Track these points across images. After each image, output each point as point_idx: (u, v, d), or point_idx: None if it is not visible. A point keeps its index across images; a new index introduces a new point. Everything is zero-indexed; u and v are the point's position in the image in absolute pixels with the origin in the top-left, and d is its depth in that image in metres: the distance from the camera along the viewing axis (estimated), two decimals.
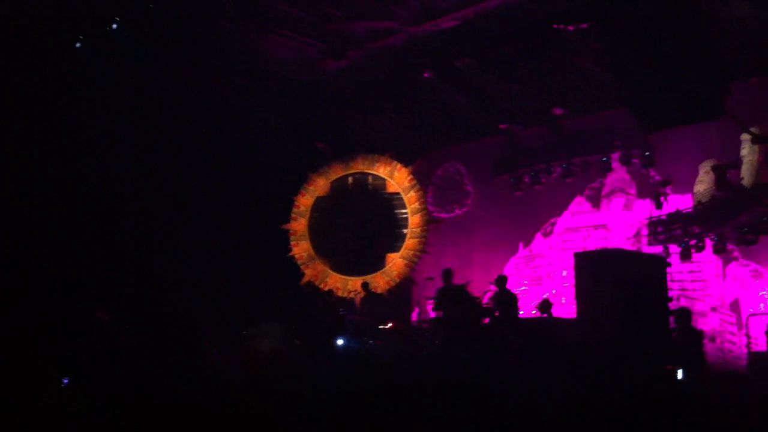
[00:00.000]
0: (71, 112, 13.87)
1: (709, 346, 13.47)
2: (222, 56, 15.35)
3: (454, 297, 13.23)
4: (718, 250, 14.32)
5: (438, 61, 15.16)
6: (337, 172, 19.45)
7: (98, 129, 14.36)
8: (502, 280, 13.95)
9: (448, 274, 13.65)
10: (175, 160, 15.75)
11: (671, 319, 11.66)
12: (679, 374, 9.80)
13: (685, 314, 11.77)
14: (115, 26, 13.40)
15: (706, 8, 10.93)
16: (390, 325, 14.75)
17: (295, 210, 19.32)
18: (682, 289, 15.19)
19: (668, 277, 12.74)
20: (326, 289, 18.01)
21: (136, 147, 14.89)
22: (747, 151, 14.07)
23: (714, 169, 14.51)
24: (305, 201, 19.38)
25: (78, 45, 13.56)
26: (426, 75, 15.65)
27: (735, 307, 14.97)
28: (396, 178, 19.03)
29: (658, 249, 14.74)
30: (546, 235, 18.27)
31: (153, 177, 15.26)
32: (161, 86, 15.14)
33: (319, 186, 19.44)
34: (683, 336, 11.49)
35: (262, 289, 16.25)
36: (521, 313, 14.56)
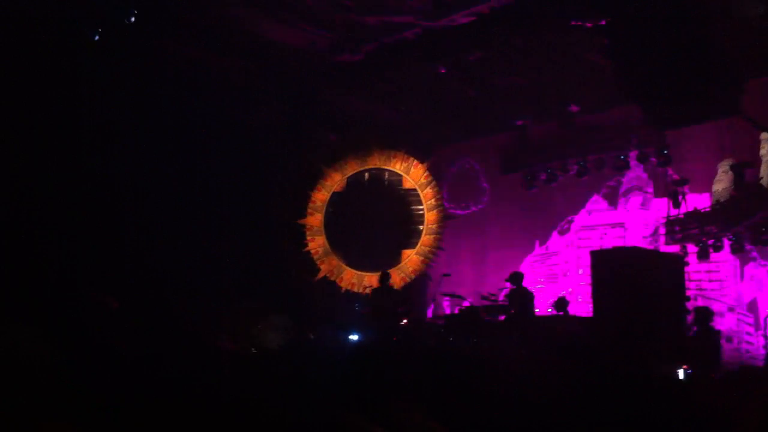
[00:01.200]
0: (70, 98, 13.80)
1: (725, 347, 13.37)
2: (233, 46, 15.29)
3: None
4: (736, 249, 14.20)
5: (452, 56, 15.10)
6: (353, 168, 19.45)
7: (102, 122, 14.29)
8: (517, 277, 13.91)
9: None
10: (189, 156, 15.75)
11: (690, 318, 11.62)
12: (680, 374, 9.74)
13: (705, 313, 11.71)
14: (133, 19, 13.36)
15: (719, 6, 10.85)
16: (404, 321, 14.74)
17: (311, 205, 19.33)
18: (699, 289, 15.08)
19: (686, 277, 12.71)
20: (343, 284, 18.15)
21: (145, 143, 14.87)
22: (766, 150, 13.94)
23: (732, 168, 14.39)
24: (321, 196, 19.39)
25: (96, 38, 13.55)
26: (440, 69, 15.59)
27: (752, 307, 14.85)
28: (412, 174, 19.02)
29: (675, 248, 14.65)
30: (562, 233, 18.19)
31: (164, 172, 15.25)
32: (170, 80, 15.09)
33: (335, 181, 19.44)
34: (701, 335, 11.43)
35: (277, 282, 16.28)
36: (537, 310, 14.52)
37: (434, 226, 18.68)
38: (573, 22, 13.22)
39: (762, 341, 13.58)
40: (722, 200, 14.39)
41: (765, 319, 13.75)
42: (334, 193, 19.46)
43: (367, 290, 17.82)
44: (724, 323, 14.47)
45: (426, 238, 18.65)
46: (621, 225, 17.21)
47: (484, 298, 14.66)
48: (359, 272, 18.61)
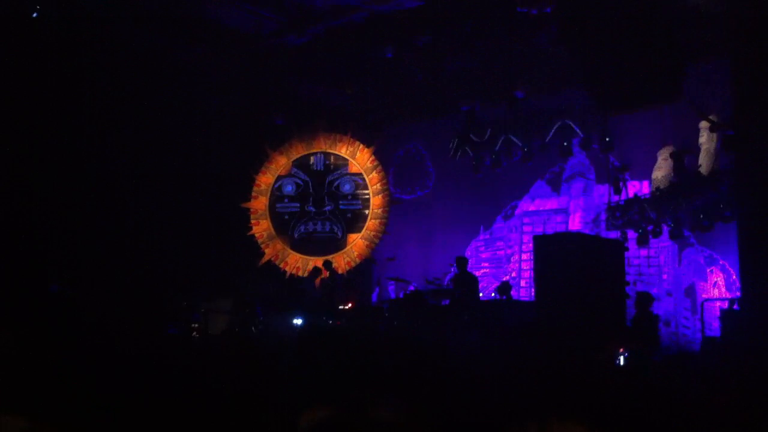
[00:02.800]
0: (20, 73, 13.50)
1: (663, 331, 13.67)
2: (178, 28, 15.02)
3: None
4: (675, 235, 14.49)
5: (400, 39, 15.07)
6: (298, 151, 19.33)
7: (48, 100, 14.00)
8: (461, 262, 13.99)
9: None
10: (133, 135, 15.50)
11: (631, 302, 11.84)
12: (621, 360, 9.89)
13: (646, 298, 11.94)
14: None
15: None
16: (349, 305, 14.76)
17: (255, 188, 19.18)
18: (639, 274, 15.37)
19: (626, 262, 12.93)
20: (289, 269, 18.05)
21: (90, 118, 14.61)
22: (705, 138, 14.19)
23: (672, 155, 14.65)
24: (266, 179, 19.25)
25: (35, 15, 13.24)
26: (388, 53, 15.54)
27: (690, 292, 15.19)
28: (358, 158, 18.98)
29: (616, 234, 14.88)
30: (506, 218, 18.34)
31: (109, 152, 15.01)
32: (117, 54, 14.80)
33: (280, 164, 19.31)
34: (640, 319, 11.66)
35: (223, 267, 16.16)
36: (481, 295, 14.65)
37: (380, 210, 18.69)
38: (519, 9, 13.28)
39: (698, 325, 13.92)
40: (662, 187, 14.65)
41: (702, 304, 14.09)
42: (278, 177, 19.33)
43: None
44: (662, 308, 14.79)
45: (371, 223, 18.65)
46: (564, 210, 17.42)
47: (429, 282, 14.73)
48: (304, 256, 18.54)
